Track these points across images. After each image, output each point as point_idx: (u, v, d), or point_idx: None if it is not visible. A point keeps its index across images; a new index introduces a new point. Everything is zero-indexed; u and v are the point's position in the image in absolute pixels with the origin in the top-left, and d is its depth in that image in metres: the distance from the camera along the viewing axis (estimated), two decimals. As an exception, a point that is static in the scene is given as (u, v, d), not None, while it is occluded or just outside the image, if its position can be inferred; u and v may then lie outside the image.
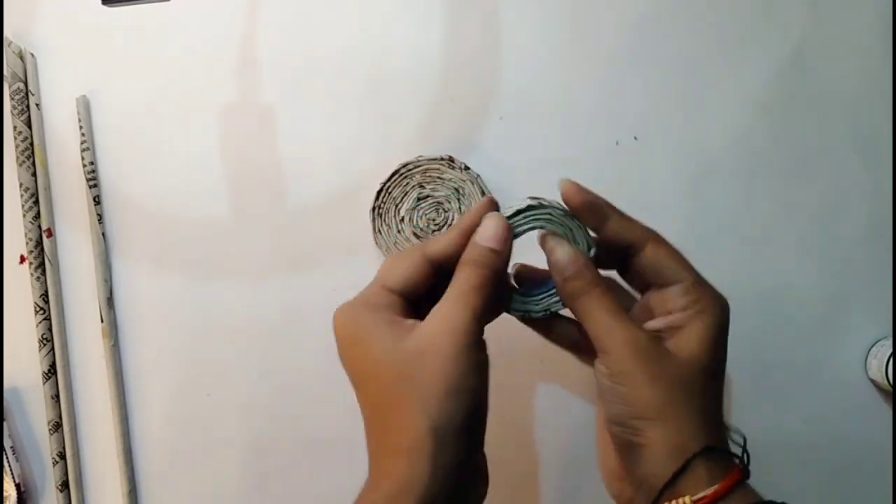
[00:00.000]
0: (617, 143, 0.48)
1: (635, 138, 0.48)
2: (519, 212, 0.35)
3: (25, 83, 0.49)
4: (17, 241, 0.49)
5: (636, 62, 0.48)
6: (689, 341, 0.32)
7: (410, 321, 0.32)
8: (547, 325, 0.37)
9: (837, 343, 0.47)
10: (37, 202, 0.49)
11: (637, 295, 0.37)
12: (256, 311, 0.49)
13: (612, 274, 0.37)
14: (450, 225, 0.47)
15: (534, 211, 0.35)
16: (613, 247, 0.35)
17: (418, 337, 0.31)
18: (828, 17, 0.47)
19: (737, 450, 0.32)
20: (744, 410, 0.48)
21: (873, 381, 0.47)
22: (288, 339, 0.49)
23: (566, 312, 0.35)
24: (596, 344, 0.33)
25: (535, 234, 0.35)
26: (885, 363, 0.45)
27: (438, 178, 0.47)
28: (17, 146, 0.48)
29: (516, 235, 0.34)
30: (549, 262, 0.34)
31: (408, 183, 0.47)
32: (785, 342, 0.48)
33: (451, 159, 0.46)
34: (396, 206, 0.47)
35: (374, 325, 0.32)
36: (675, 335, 0.33)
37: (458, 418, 0.30)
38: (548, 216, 0.35)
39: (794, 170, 0.47)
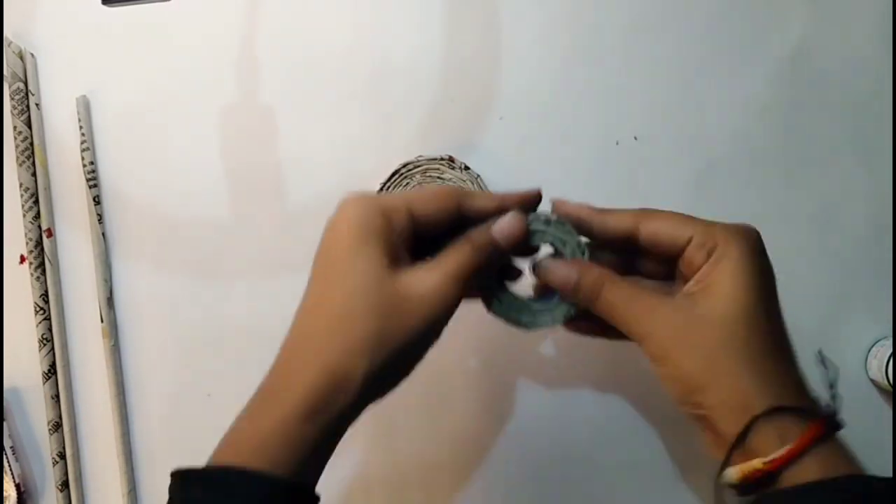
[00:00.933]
0: (617, 143, 0.48)
1: (635, 138, 0.48)
2: (549, 222, 0.35)
3: (25, 83, 0.49)
4: (17, 241, 0.49)
5: (636, 62, 0.48)
6: (718, 292, 0.30)
7: (408, 258, 0.32)
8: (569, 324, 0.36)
9: (838, 344, 0.47)
10: (37, 202, 0.49)
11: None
12: (256, 311, 0.49)
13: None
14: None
15: (557, 227, 0.35)
16: (613, 245, 0.34)
17: (406, 285, 0.30)
18: (828, 17, 0.47)
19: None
20: (744, 410, 0.48)
21: (873, 381, 0.47)
22: (288, 339, 0.49)
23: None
24: (632, 337, 0.32)
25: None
26: (885, 363, 0.45)
27: (438, 178, 0.47)
28: (17, 146, 0.48)
29: (534, 243, 0.35)
30: (552, 283, 0.34)
31: (408, 183, 0.47)
32: (785, 342, 0.48)
33: (451, 159, 0.46)
34: None
35: (377, 239, 0.30)
36: (707, 294, 0.30)
37: (392, 373, 0.31)
38: (562, 236, 0.35)
39: (794, 170, 0.47)
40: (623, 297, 0.32)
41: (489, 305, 0.36)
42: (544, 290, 0.37)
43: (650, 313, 0.31)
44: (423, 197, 0.32)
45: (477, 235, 0.32)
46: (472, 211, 0.33)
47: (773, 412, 0.28)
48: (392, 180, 0.47)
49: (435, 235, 0.33)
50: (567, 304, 0.35)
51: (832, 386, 0.31)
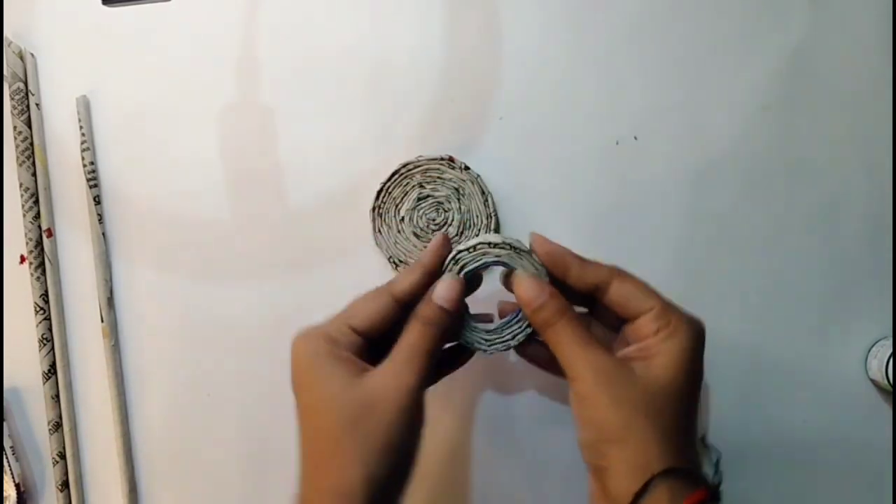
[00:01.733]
0: (617, 143, 0.48)
1: (635, 138, 0.48)
2: (472, 247, 0.37)
3: (25, 83, 0.49)
4: (18, 241, 0.49)
5: (636, 62, 0.48)
6: (659, 365, 0.33)
7: (365, 365, 0.34)
8: (519, 347, 0.38)
9: (837, 343, 0.47)
10: (37, 202, 0.49)
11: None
12: (256, 311, 0.49)
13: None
14: (450, 225, 0.47)
15: (485, 248, 0.37)
16: (581, 291, 0.36)
17: (368, 387, 0.32)
18: (828, 17, 0.47)
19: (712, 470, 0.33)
20: (744, 410, 0.48)
21: (873, 381, 0.47)
22: (288, 339, 0.48)
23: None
24: (566, 372, 0.34)
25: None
26: (885, 363, 0.45)
27: (438, 178, 0.47)
28: (17, 146, 0.48)
29: (469, 270, 0.37)
30: (516, 296, 0.36)
31: (408, 183, 0.47)
32: (785, 342, 0.48)
33: (451, 159, 0.46)
34: (396, 206, 0.47)
35: (330, 362, 0.33)
36: (648, 360, 0.33)
37: (392, 471, 0.32)
38: (504, 255, 0.37)
39: (794, 170, 0.47)
40: (574, 334, 0.34)
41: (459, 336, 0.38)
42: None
43: (591, 357, 0.33)
44: (357, 307, 0.35)
45: (423, 311, 0.35)
46: (405, 294, 0.36)
47: (669, 473, 0.31)
48: (392, 180, 0.47)
49: (387, 336, 0.35)
50: (516, 329, 0.37)
51: (717, 463, 0.34)
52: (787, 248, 0.48)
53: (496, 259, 0.37)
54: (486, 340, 0.38)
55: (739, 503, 0.47)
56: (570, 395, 0.34)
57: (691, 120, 0.48)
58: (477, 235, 0.38)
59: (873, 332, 0.47)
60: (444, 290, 0.35)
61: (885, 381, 0.45)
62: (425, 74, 0.48)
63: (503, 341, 0.38)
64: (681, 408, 0.33)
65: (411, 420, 0.33)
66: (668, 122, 0.48)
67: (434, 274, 0.36)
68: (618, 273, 0.36)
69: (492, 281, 0.41)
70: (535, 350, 0.39)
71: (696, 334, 0.34)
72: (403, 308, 0.36)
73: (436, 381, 0.38)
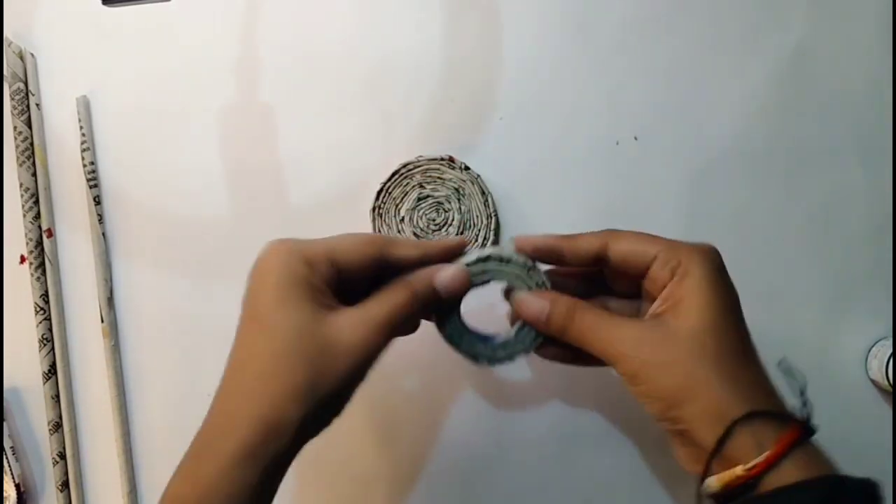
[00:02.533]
0: (617, 143, 0.48)
1: (635, 138, 0.48)
2: (481, 259, 0.36)
3: (25, 83, 0.49)
4: (18, 241, 0.49)
5: (636, 62, 0.48)
6: (686, 309, 0.31)
7: (334, 302, 0.32)
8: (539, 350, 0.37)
9: (837, 343, 0.47)
10: (37, 202, 0.49)
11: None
12: (256, 311, 0.49)
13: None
14: (450, 225, 0.47)
15: (495, 263, 0.36)
16: (584, 267, 0.35)
17: (334, 329, 0.31)
18: (828, 17, 0.47)
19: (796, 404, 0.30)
20: (744, 410, 0.48)
21: (873, 382, 0.47)
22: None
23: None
24: (606, 360, 0.33)
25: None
26: (885, 363, 0.45)
27: (438, 178, 0.47)
28: (17, 146, 0.48)
29: (474, 284, 0.36)
30: (522, 314, 0.35)
31: (408, 183, 0.47)
32: (785, 342, 0.48)
33: (451, 159, 0.46)
34: (396, 206, 0.47)
35: (303, 289, 0.31)
36: (675, 311, 0.31)
37: (324, 415, 0.32)
38: (506, 272, 0.36)
39: (794, 170, 0.47)
40: (594, 323, 0.33)
41: (441, 326, 0.36)
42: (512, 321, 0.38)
43: (621, 335, 0.32)
44: (345, 244, 0.33)
45: (418, 281, 0.33)
46: (395, 259, 0.34)
47: (750, 417, 0.29)
48: (392, 180, 0.47)
49: (358, 280, 0.33)
50: (527, 337, 0.36)
51: (802, 393, 0.31)
52: (787, 247, 0.48)
53: (485, 280, 0.36)
54: (493, 356, 0.36)
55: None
56: (621, 379, 0.32)
57: (691, 120, 0.48)
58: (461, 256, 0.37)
59: (873, 332, 0.47)
60: (449, 278, 0.34)
61: (885, 381, 0.45)
62: (425, 74, 0.48)
63: (508, 355, 0.36)
64: (731, 343, 0.31)
65: (361, 374, 0.32)
66: (668, 122, 0.48)
67: (433, 262, 0.35)
68: (611, 234, 0.34)
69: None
70: (554, 351, 0.37)
71: (711, 261, 0.32)
72: (384, 268, 0.34)
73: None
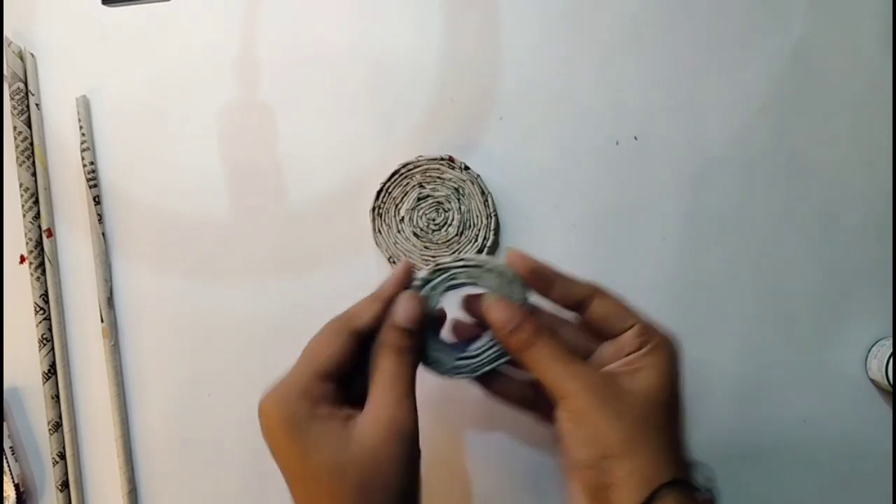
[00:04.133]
0: (617, 143, 0.48)
1: (635, 138, 0.48)
2: (436, 271, 0.35)
3: (25, 83, 0.49)
4: (18, 241, 0.49)
5: (636, 62, 0.48)
6: (646, 378, 0.33)
7: (346, 413, 0.32)
8: (487, 380, 0.38)
9: (837, 343, 0.47)
10: (37, 202, 0.49)
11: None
12: (256, 311, 0.49)
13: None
14: (450, 225, 0.47)
15: (449, 272, 0.35)
16: (563, 307, 0.36)
17: (364, 441, 0.31)
18: (828, 17, 0.47)
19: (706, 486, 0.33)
20: (744, 410, 0.48)
21: (873, 381, 0.47)
22: (288, 339, 0.49)
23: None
24: (553, 391, 0.33)
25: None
26: (885, 363, 0.45)
27: (438, 178, 0.47)
28: (17, 146, 0.48)
29: (449, 288, 0.36)
30: (488, 321, 0.35)
31: (408, 183, 0.47)
32: (785, 342, 0.48)
33: (451, 159, 0.46)
34: (396, 206, 0.47)
35: (314, 425, 0.32)
36: (633, 376, 0.33)
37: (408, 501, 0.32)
38: (466, 274, 0.35)
39: (794, 170, 0.47)
40: (555, 353, 0.34)
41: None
42: (466, 333, 0.38)
43: (579, 374, 0.33)
44: (320, 352, 0.34)
45: (385, 336, 0.34)
46: (366, 328, 0.34)
47: (673, 484, 0.31)
48: (392, 180, 0.47)
49: (351, 362, 0.34)
50: (490, 354, 0.36)
51: (711, 479, 0.34)
52: (787, 247, 0.48)
53: (467, 280, 0.35)
54: (455, 366, 0.36)
55: (740, 503, 0.47)
56: (561, 416, 0.33)
57: (691, 120, 0.48)
58: (449, 255, 0.36)
59: (873, 333, 0.47)
60: (402, 310, 0.34)
61: (885, 381, 0.45)
62: (425, 74, 0.48)
63: (471, 367, 0.36)
64: (673, 420, 0.33)
65: (413, 457, 0.32)
66: (668, 122, 0.48)
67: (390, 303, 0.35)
68: (599, 290, 0.36)
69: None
70: (504, 384, 0.38)
71: (675, 350, 0.35)
72: (367, 340, 0.34)
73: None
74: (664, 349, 0.34)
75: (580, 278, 0.36)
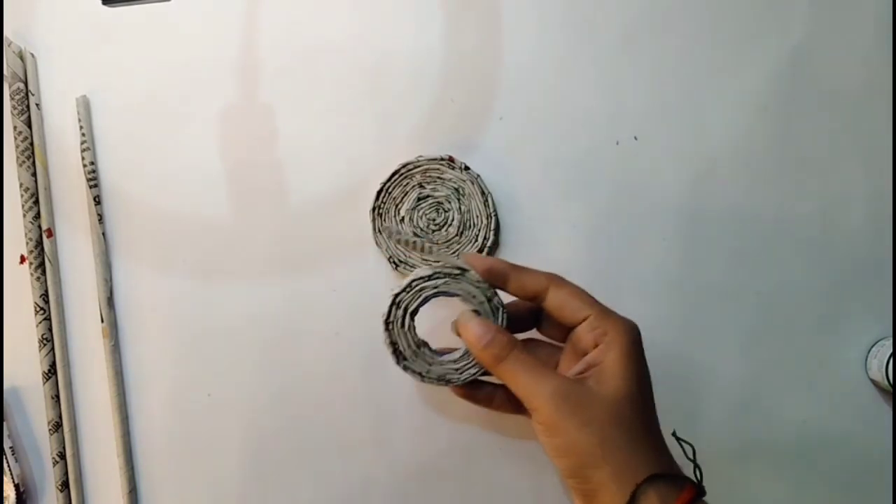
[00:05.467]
0: (617, 143, 0.48)
1: (635, 138, 0.48)
2: (408, 286, 0.37)
3: (25, 83, 0.49)
4: (18, 241, 0.49)
5: (636, 62, 0.48)
6: (607, 376, 0.34)
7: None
8: (472, 387, 0.39)
9: (837, 343, 0.47)
10: (37, 202, 0.49)
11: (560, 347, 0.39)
12: (256, 311, 0.49)
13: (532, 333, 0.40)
14: (450, 225, 0.47)
15: (420, 283, 0.37)
16: (522, 298, 0.37)
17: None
18: (828, 17, 0.47)
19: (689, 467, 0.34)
20: (744, 410, 0.48)
21: (873, 381, 0.47)
22: (288, 339, 0.49)
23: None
24: (526, 403, 0.34)
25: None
26: (885, 363, 0.45)
27: (438, 178, 0.47)
28: (17, 146, 0.48)
29: (414, 309, 0.37)
30: (463, 337, 0.37)
31: (408, 183, 0.47)
32: (785, 342, 0.48)
33: (451, 159, 0.46)
34: (396, 206, 0.47)
35: None
36: (595, 373, 0.34)
37: None
38: (434, 284, 0.37)
39: (795, 170, 0.48)
40: (525, 366, 0.35)
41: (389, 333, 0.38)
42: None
43: (549, 384, 0.34)
44: None
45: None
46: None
47: (654, 479, 0.32)
48: (392, 180, 0.47)
49: None
50: (464, 365, 0.37)
51: (693, 459, 0.35)
52: (788, 247, 0.48)
53: (436, 291, 0.37)
54: (434, 373, 0.38)
55: (740, 503, 0.48)
56: (535, 427, 0.34)
57: (691, 120, 0.48)
58: (412, 270, 0.38)
59: (873, 333, 0.47)
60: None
61: (885, 381, 0.45)
62: (425, 74, 0.48)
63: (442, 376, 0.38)
64: (642, 412, 0.34)
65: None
66: (668, 122, 0.48)
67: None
68: (555, 280, 0.37)
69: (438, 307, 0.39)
70: (489, 393, 0.39)
71: (632, 338, 0.35)
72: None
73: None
74: (619, 341, 0.34)
75: (536, 270, 0.37)
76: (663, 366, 0.48)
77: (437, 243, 0.47)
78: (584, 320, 0.36)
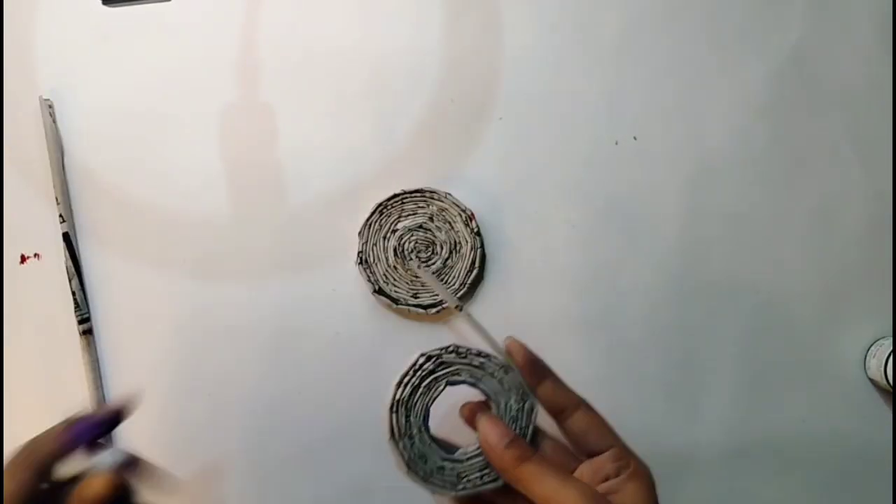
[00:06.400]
0: (617, 143, 0.48)
1: (635, 138, 0.48)
2: (441, 364, 0.36)
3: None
4: (18, 241, 0.49)
5: (636, 63, 0.48)
6: (629, 501, 0.34)
7: None
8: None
9: (837, 343, 0.47)
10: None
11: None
12: (256, 311, 0.49)
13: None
14: (442, 246, 0.47)
15: (453, 366, 0.36)
16: (546, 408, 0.37)
17: None
18: (828, 17, 0.47)
19: None
20: (744, 410, 0.48)
21: (872, 381, 0.47)
22: (287, 339, 0.49)
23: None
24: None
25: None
26: (883, 363, 0.45)
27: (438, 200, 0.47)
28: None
29: (450, 383, 0.36)
30: (480, 435, 0.35)
31: (412, 206, 0.47)
32: (785, 342, 0.48)
33: (471, 216, 0.46)
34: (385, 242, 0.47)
35: None
36: (619, 497, 0.34)
37: None
38: (468, 373, 0.36)
39: (794, 170, 0.48)
40: (550, 468, 0.34)
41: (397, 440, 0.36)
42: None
43: (575, 486, 0.33)
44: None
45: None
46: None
47: None
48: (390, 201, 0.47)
49: None
50: (475, 463, 0.36)
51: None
52: (787, 247, 0.48)
53: (468, 379, 0.36)
54: (441, 467, 0.36)
55: (740, 503, 0.48)
56: None
57: (691, 120, 0.48)
58: (451, 350, 0.36)
59: (872, 332, 0.47)
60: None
61: (884, 381, 0.45)
62: (425, 75, 0.48)
63: (456, 473, 0.36)
64: None
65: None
66: (667, 122, 0.48)
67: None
68: (585, 403, 0.37)
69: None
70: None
71: (651, 479, 0.36)
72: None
73: None
74: (642, 477, 0.35)
75: (569, 387, 0.36)
76: (663, 366, 0.48)
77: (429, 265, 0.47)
78: (606, 450, 0.36)
